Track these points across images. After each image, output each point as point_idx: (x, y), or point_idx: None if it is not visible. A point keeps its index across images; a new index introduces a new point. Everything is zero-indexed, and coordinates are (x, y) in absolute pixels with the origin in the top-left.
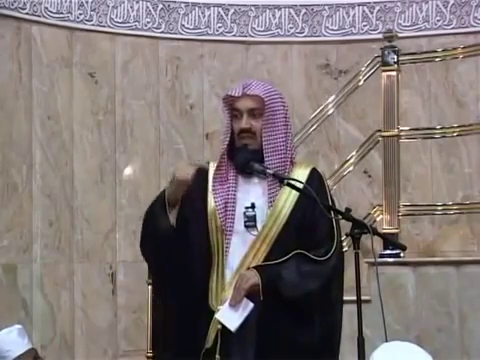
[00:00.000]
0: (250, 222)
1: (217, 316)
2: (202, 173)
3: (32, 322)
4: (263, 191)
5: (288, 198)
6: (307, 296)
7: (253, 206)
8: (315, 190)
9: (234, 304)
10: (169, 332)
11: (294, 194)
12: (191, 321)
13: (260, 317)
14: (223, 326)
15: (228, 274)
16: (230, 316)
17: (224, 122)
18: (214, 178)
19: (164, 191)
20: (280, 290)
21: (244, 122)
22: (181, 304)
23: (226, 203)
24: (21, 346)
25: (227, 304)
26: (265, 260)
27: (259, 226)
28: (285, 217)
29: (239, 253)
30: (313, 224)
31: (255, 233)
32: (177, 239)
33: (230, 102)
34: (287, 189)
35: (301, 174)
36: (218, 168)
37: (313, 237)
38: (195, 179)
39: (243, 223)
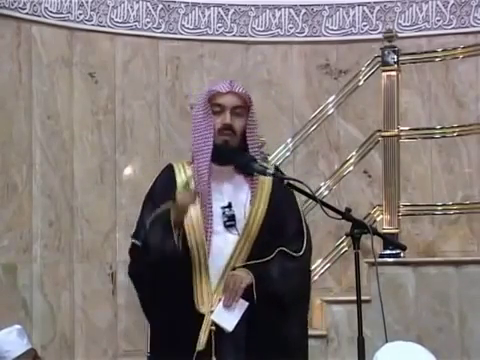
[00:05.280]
0: (230, 222)
1: (213, 318)
2: (167, 173)
3: (32, 322)
4: (234, 188)
5: (262, 194)
6: (292, 292)
7: (230, 205)
8: (283, 188)
9: (230, 305)
10: (156, 335)
11: (267, 190)
12: (177, 324)
13: (249, 315)
14: (217, 327)
15: (213, 276)
16: (226, 317)
17: (197, 118)
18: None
19: (164, 215)
20: (270, 288)
21: (228, 118)
22: (166, 309)
23: (203, 203)
24: (21, 346)
25: (221, 305)
26: (248, 258)
27: (238, 225)
28: (263, 214)
29: (222, 254)
30: (283, 219)
31: (235, 232)
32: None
33: (210, 98)
34: (260, 185)
35: None
36: (197, 167)
37: (284, 233)
38: (161, 179)
39: (222, 223)
